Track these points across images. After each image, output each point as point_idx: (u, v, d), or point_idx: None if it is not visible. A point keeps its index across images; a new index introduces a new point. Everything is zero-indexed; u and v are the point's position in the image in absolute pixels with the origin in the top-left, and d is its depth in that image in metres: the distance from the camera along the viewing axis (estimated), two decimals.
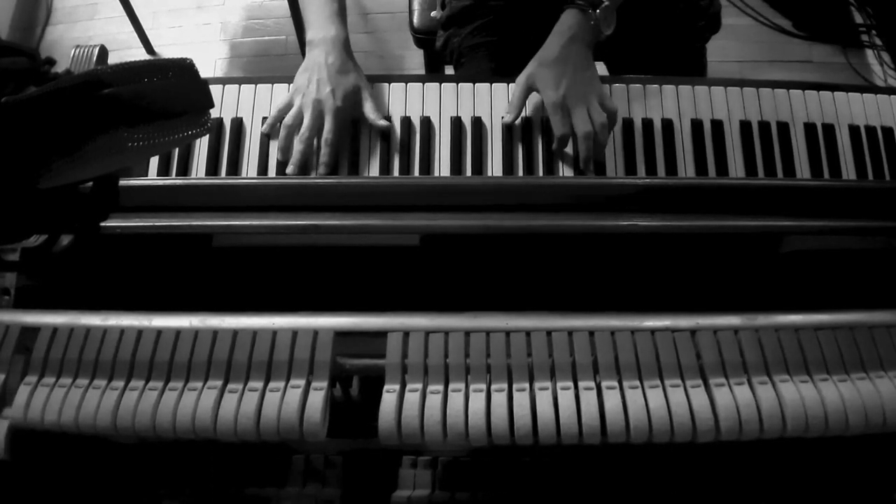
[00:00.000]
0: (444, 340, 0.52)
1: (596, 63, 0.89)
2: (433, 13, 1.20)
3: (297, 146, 0.83)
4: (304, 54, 0.89)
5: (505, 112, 0.86)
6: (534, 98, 0.87)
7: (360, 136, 0.87)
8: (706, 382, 0.50)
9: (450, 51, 1.12)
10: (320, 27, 0.87)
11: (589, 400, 0.49)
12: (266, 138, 0.86)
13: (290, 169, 0.83)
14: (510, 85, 0.89)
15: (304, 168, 0.83)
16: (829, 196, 0.70)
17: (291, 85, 0.87)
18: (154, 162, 0.84)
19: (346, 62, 0.86)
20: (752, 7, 2.01)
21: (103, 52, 0.87)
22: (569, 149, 0.85)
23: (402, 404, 0.50)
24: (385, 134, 0.86)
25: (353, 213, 0.65)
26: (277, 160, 0.85)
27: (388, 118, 0.87)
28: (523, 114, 0.87)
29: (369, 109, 0.85)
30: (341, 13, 0.89)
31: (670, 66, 1.05)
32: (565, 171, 0.86)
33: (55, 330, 0.53)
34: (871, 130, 0.89)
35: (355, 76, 0.86)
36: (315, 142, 0.84)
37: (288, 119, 0.84)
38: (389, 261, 0.68)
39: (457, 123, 0.87)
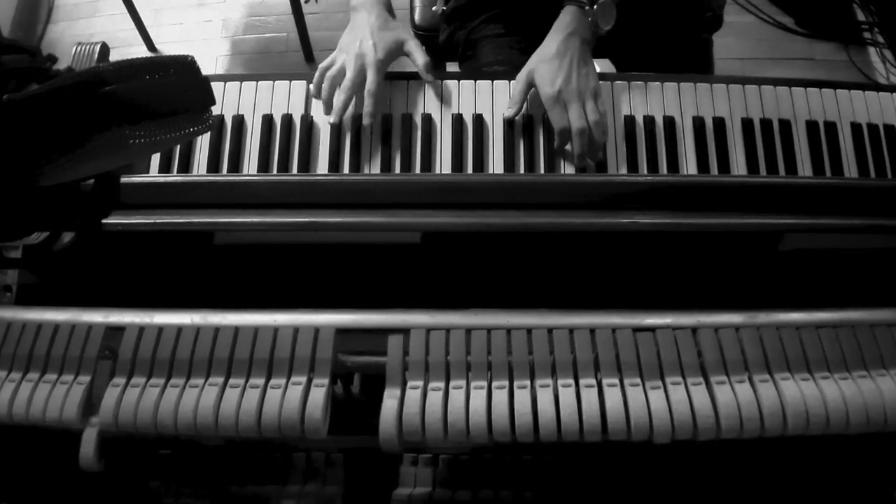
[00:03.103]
0: (445, 338, 0.52)
1: (602, 59, 0.89)
2: (434, 7, 1.20)
3: (339, 96, 0.86)
4: (304, 52, 0.89)
5: (506, 107, 0.87)
6: (535, 95, 0.87)
7: (362, 134, 0.87)
8: (707, 380, 0.50)
9: (455, 44, 1.11)
10: None
11: (590, 397, 0.49)
12: (266, 137, 0.86)
13: (332, 119, 0.86)
14: (511, 82, 0.89)
15: (341, 127, 0.86)
16: (831, 194, 0.69)
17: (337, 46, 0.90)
18: (155, 159, 0.84)
19: (388, 20, 0.90)
20: (755, 4, 2.00)
21: (105, 49, 0.87)
22: (570, 146, 0.85)
23: (402, 403, 0.50)
24: (387, 132, 0.86)
25: (355, 210, 0.65)
26: (274, 158, 0.85)
27: (388, 113, 0.87)
28: (525, 111, 0.87)
29: (413, 46, 0.89)
30: None
31: (678, 60, 1.04)
32: (567, 169, 0.86)
33: (57, 327, 0.53)
34: (873, 128, 0.89)
35: (397, 31, 0.90)
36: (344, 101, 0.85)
37: (332, 71, 0.87)
38: (391, 258, 0.68)
39: (458, 121, 0.87)
